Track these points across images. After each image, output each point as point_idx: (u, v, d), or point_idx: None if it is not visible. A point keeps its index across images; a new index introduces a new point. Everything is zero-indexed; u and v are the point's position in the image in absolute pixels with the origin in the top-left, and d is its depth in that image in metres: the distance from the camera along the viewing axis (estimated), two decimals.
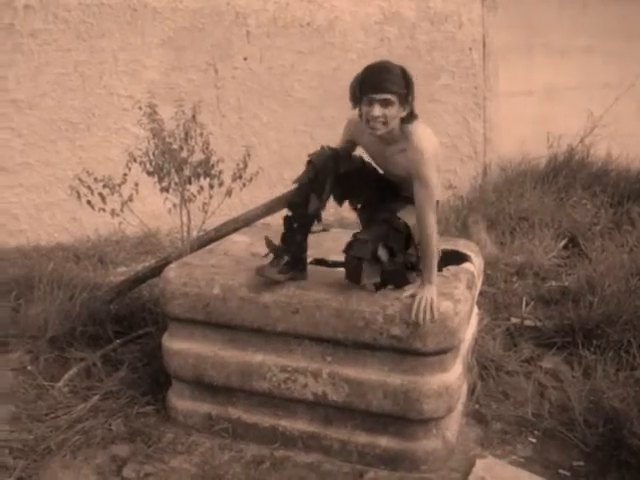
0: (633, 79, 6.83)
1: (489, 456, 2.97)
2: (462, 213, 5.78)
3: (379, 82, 2.58)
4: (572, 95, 7.13)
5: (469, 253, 3.33)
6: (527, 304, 4.33)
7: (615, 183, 6.27)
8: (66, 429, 3.09)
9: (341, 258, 2.86)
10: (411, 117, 2.70)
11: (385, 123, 2.62)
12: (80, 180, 3.91)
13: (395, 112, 2.61)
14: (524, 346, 3.82)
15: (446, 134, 6.58)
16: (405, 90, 2.62)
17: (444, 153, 6.56)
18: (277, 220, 3.95)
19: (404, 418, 2.80)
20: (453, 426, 2.97)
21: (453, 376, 2.83)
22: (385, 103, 2.58)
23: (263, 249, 3.12)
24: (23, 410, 3.24)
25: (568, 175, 6.39)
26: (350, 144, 2.96)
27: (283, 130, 6.34)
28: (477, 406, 3.31)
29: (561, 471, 2.89)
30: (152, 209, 4.61)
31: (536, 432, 3.15)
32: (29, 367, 3.64)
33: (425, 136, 2.72)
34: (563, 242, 5.35)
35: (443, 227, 5.41)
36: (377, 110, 2.58)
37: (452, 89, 6.57)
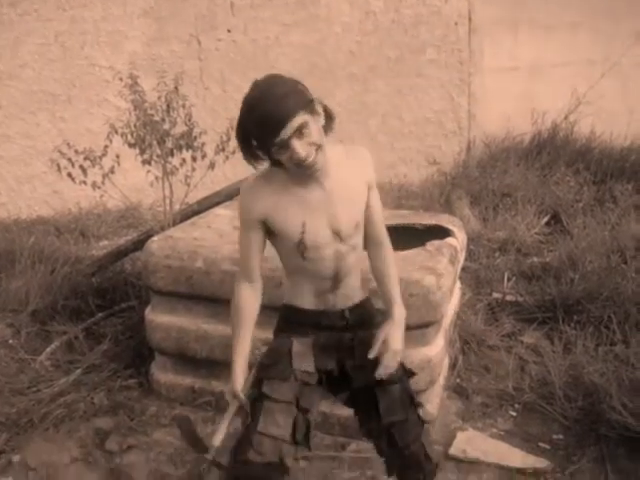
0: (618, 57, 6.83)
1: (470, 429, 3.01)
2: (446, 189, 5.79)
3: (277, 114, 1.78)
4: (557, 72, 7.13)
5: (452, 228, 3.33)
6: (509, 279, 4.36)
7: (598, 160, 6.29)
8: (48, 402, 3.09)
9: None
10: (330, 120, 1.95)
11: (319, 148, 1.85)
12: (60, 152, 3.87)
13: (317, 129, 1.85)
14: (505, 321, 3.85)
15: (431, 110, 6.56)
16: (306, 94, 1.87)
17: (429, 129, 6.59)
18: None
19: None
20: (434, 399, 3.00)
21: (435, 350, 2.85)
22: (300, 133, 1.81)
23: None
24: (5, 384, 3.23)
25: (552, 152, 6.40)
26: (259, 243, 2.04)
27: None
28: (458, 380, 3.33)
29: (541, 444, 2.92)
30: (134, 182, 4.59)
31: (516, 406, 3.18)
32: (10, 341, 3.62)
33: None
34: (545, 218, 5.37)
35: (427, 203, 5.43)
36: (299, 147, 1.81)
37: (437, 64, 6.54)
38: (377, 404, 2.07)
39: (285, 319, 2.16)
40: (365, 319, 2.15)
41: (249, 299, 2.08)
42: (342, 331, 2.10)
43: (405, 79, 6.46)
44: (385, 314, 2.11)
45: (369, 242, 2.15)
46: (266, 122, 1.78)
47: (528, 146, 6.60)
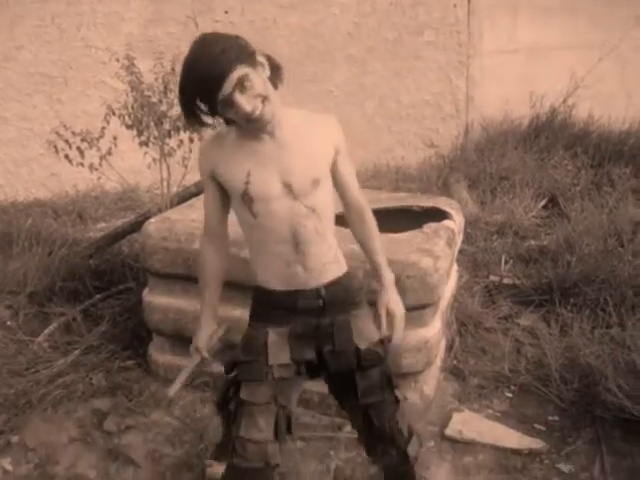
0: (617, 40, 6.81)
1: (466, 410, 3.02)
2: (443, 172, 5.79)
3: (215, 70, 1.72)
4: (556, 55, 7.11)
5: (449, 210, 3.34)
6: (506, 262, 4.37)
7: (596, 144, 6.28)
8: (47, 383, 3.10)
9: None
10: (277, 70, 1.88)
11: (265, 99, 1.77)
12: (58, 134, 3.85)
13: (260, 80, 1.78)
14: (502, 304, 3.86)
15: (429, 92, 6.54)
16: (246, 47, 1.79)
17: (427, 111, 6.57)
18: None
19: None
20: (431, 381, 3.01)
21: (432, 331, 2.86)
22: (242, 87, 1.73)
23: None
24: (3, 365, 3.23)
25: (550, 135, 6.40)
26: (219, 204, 2.01)
27: None
28: (455, 361, 3.35)
29: (536, 425, 2.94)
30: (131, 165, 4.57)
31: (512, 387, 3.20)
32: (9, 322, 3.63)
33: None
34: (543, 202, 5.38)
35: (424, 186, 5.43)
36: (243, 101, 1.74)
37: (436, 46, 6.52)
38: (355, 387, 2.04)
39: (258, 302, 2.07)
40: (343, 299, 2.03)
41: (211, 258, 2.05)
42: (319, 315, 2.00)
43: (403, 61, 6.44)
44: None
45: (347, 209, 2.09)
46: (206, 80, 1.72)
47: (526, 129, 6.59)
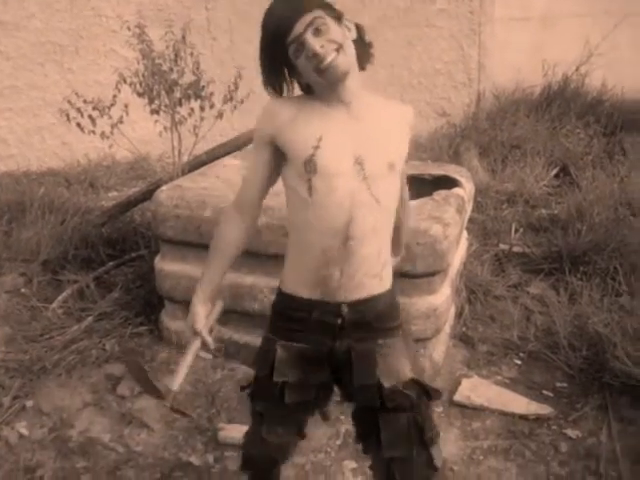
0: (632, 7, 6.71)
1: (475, 376, 3.05)
2: (455, 141, 5.76)
3: (290, 9, 1.61)
4: (569, 22, 7.02)
5: (460, 178, 3.34)
6: (516, 231, 4.37)
7: (609, 113, 6.23)
8: (61, 349, 3.15)
9: None
10: (366, 46, 1.72)
11: (340, 48, 1.59)
12: (69, 102, 3.87)
13: (339, 31, 1.62)
14: (512, 272, 3.87)
15: (441, 60, 6.49)
16: (330, 4, 1.67)
17: (438, 80, 6.52)
18: None
19: None
20: (440, 347, 3.04)
21: (441, 298, 2.88)
22: (317, 30, 1.59)
23: None
24: (18, 331, 3.29)
25: (562, 104, 6.34)
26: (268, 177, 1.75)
27: None
28: (464, 329, 3.37)
29: (544, 392, 2.97)
30: (142, 134, 4.59)
31: (521, 354, 3.22)
32: (23, 290, 3.67)
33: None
34: (555, 171, 5.36)
35: (436, 154, 5.41)
36: (315, 42, 1.57)
37: (448, 13, 6.45)
38: (378, 431, 1.72)
39: (275, 311, 1.82)
40: (369, 322, 1.72)
41: (234, 230, 1.79)
42: (334, 336, 1.71)
43: (415, 29, 6.38)
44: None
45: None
46: (280, 21, 1.60)
47: (538, 98, 6.54)
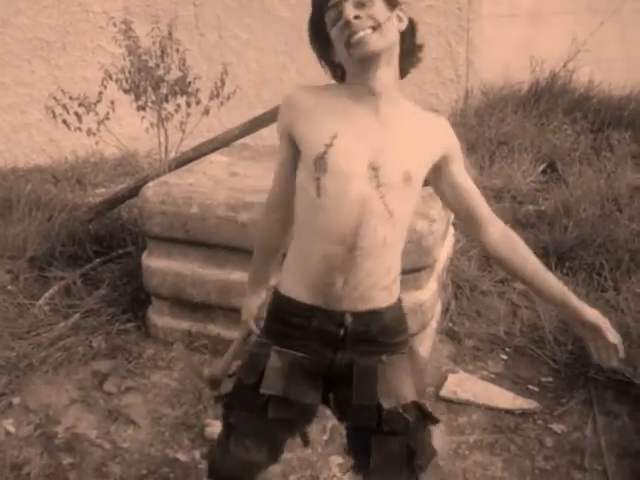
0: (619, 4, 6.73)
1: (461, 371, 3.07)
2: None
3: None
4: (557, 19, 7.03)
5: None
6: None
7: (596, 109, 6.24)
8: (48, 346, 3.14)
9: None
10: (415, 47, 1.61)
11: (377, 27, 1.47)
12: (55, 99, 3.85)
13: (385, 12, 1.50)
14: (498, 267, 3.87)
15: (429, 57, 6.44)
16: None
17: (427, 76, 6.51)
18: (255, 140, 3.95)
19: None
20: (426, 342, 3.05)
21: (427, 294, 2.90)
22: (358, 2, 1.48)
23: (242, 169, 3.11)
24: (4, 328, 3.27)
25: (550, 100, 6.35)
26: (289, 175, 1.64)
27: (263, 50, 6.22)
28: (451, 324, 3.39)
29: (530, 386, 2.99)
30: (130, 131, 4.57)
31: (507, 349, 3.24)
32: (9, 287, 3.65)
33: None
34: (542, 167, 5.37)
35: None
36: (352, 11, 1.47)
37: (436, 10, 6.43)
38: (369, 452, 1.61)
39: (271, 313, 1.70)
40: (374, 336, 1.61)
41: (274, 229, 1.73)
42: (336, 348, 1.59)
43: None
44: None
45: (477, 229, 1.70)
46: None
47: (526, 94, 6.54)
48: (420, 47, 1.60)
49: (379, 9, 1.48)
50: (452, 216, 3.38)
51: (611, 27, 6.69)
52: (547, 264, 3.71)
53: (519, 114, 6.10)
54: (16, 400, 2.85)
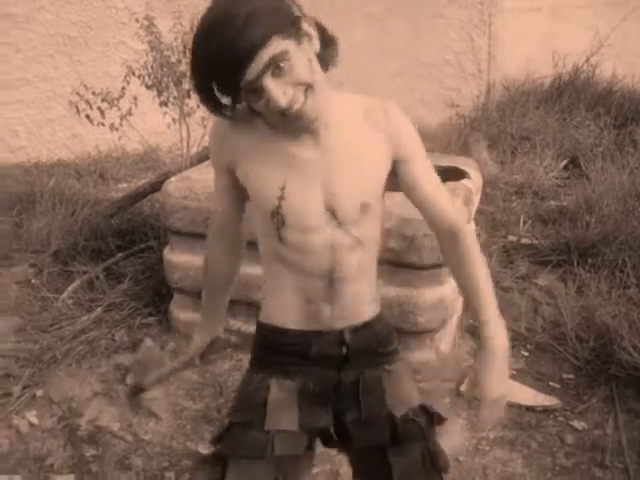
0: None
1: None
2: (464, 132, 5.73)
3: (241, 43, 1.22)
4: (580, 13, 6.96)
5: (467, 170, 3.33)
6: (525, 223, 4.36)
7: (619, 104, 6.19)
8: (71, 339, 3.18)
9: None
10: (331, 45, 1.39)
11: (309, 88, 1.29)
12: (78, 95, 3.89)
13: (304, 61, 1.28)
14: (520, 263, 3.86)
15: (450, 51, 6.46)
16: (287, 10, 1.28)
17: (448, 71, 6.48)
18: None
19: (399, 330, 2.83)
20: (447, 338, 3.05)
21: (448, 290, 2.89)
22: (277, 68, 1.25)
23: None
24: (28, 322, 3.32)
25: (572, 95, 6.31)
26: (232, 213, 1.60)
27: None
28: (471, 320, 3.37)
29: (551, 383, 2.97)
30: (152, 126, 4.60)
31: (529, 346, 3.22)
32: (33, 280, 3.70)
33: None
34: (564, 162, 5.33)
35: (444, 145, 5.39)
36: (276, 90, 1.25)
37: (457, 4, 6.41)
38: (389, 469, 1.48)
39: (262, 344, 1.58)
40: (374, 348, 1.55)
41: (220, 260, 1.65)
42: (340, 368, 1.51)
43: (424, 19, 6.35)
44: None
45: (438, 234, 1.54)
46: (226, 56, 1.22)
47: (548, 89, 6.50)
48: (334, 41, 1.39)
49: (299, 63, 1.27)
50: (474, 211, 3.38)
51: (634, 21, 6.63)
52: (569, 260, 3.74)
53: (541, 109, 6.06)
54: (39, 392, 2.88)
